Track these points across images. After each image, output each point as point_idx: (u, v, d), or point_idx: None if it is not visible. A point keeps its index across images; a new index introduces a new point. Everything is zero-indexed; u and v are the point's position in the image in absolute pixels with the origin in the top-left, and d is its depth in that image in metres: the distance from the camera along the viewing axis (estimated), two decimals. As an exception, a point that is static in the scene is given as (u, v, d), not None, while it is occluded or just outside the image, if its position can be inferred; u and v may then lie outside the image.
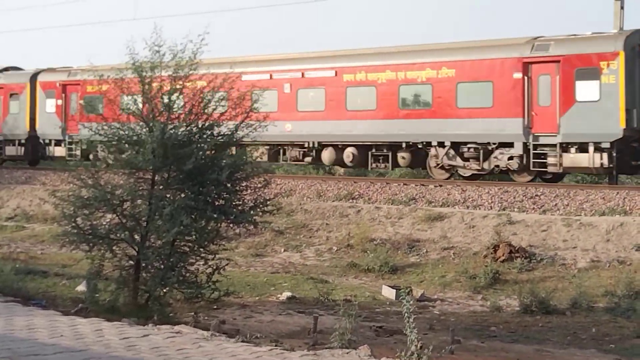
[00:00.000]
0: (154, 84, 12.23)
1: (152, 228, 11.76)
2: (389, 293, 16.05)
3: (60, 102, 32.89)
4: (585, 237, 18.44)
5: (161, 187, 12.02)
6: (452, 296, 16.51)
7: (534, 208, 20.45)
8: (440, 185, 23.52)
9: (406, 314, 8.17)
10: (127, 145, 12.36)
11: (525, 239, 18.79)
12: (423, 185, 23.82)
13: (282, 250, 20.66)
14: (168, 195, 11.93)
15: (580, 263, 17.55)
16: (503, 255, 17.88)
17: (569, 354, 11.95)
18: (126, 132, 12.17)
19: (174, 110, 12.15)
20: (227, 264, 12.67)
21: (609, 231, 18.39)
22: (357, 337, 9.74)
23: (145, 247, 11.76)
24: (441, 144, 24.44)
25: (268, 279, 17.61)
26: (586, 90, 22.04)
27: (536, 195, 21.20)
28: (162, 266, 11.78)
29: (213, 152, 12.34)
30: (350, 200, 23.00)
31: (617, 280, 16.03)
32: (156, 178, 12.11)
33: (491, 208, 20.86)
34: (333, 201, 23.17)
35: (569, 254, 17.96)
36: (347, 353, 7.18)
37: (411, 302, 8.46)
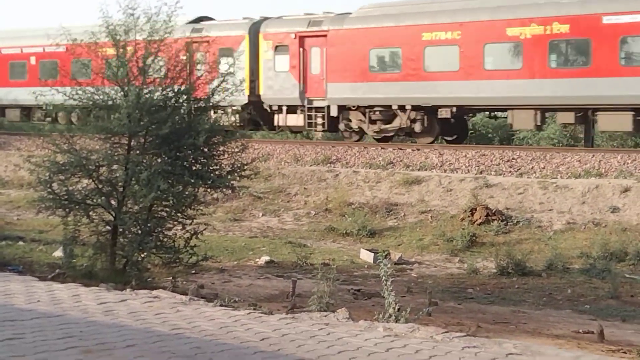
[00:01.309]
0: (129, 48, 12.07)
1: (129, 193, 11.69)
2: (367, 256, 16.13)
3: (296, 58, 26.72)
4: (561, 200, 18.60)
5: (138, 152, 11.92)
6: (429, 259, 16.63)
7: (510, 171, 20.57)
8: (418, 149, 23.57)
9: (384, 277, 8.21)
10: (101, 110, 12.22)
11: (502, 202, 18.92)
12: (401, 149, 23.86)
13: (260, 214, 20.66)
14: (145, 160, 11.84)
15: (556, 225, 17.72)
16: (480, 218, 18.00)
17: (544, 314, 12.10)
18: (101, 97, 12.03)
19: (150, 74, 12.02)
20: (205, 229, 12.64)
21: (585, 193, 18.55)
22: (336, 300, 9.79)
23: (122, 213, 11.69)
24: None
25: (246, 244, 17.63)
26: None
27: (513, 159, 21.31)
28: (139, 231, 11.72)
29: (190, 116, 12.24)
30: (328, 165, 23.01)
31: (592, 242, 16.22)
32: (132, 143, 12.00)
33: (468, 171, 20.95)
34: (311, 165, 23.17)
35: (545, 217, 18.12)
36: (325, 316, 7.22)
37: (389, 265, 8.50)
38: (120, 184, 11.86)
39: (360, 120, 25.74)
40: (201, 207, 12.71)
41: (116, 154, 11.97)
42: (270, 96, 27.25)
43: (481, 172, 20.71)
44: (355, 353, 5.75)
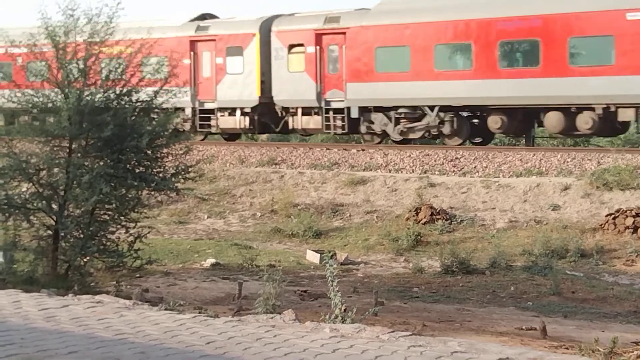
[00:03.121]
0: (69, 49, 11.88)
1: (71, 197, 11.51)
2: (313, 257, 16.14)
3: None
4: (503, 198, 18.88)
5: (79, 154, 11.74)
6: (375, 259, 16.72)
7: (454, 171, 20.81)
8: (363, 150, 23.68)
9: (330, 278, 8.22)
10: (41, 113, 12.01)
11: (446, 201, 19.12)
12: (345, 149, 23.94)
13: (206, 216, 20.53)
14: (86, 163, 11.66)
15: (498, 223, 17.98)
16: (425, 218, 18.16)
17: (488, 312, 12.25)
18: (40, 99, 11.81)
19: (91, 76, 11.84)
20: (148, 232, 12.51)
21: (526, 192, 18.86)
22: (282, 301, 9.79)
23: (64, 217, 11.50)
24: None
25: (191, 246, 17.49)
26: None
27: (456, 158, 21.55)
28: (81, 235, 11.55)
29: (133, 118, 12.09)
30: (273, 166, 22.97)
31: (534, 239, 16.49)
32: (74, 146, 11.82)
33: (413, 171, 21.13)
34: (256, 167, 23.11)
35: (488, 215, 18.37)
36: (272, 318, 7.18)
37: (335, 266, 8.51)
38: (61, 187, 11.67)
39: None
40: (145, 210, 12.58)
41: (57, 157, 11.77)
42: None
43: (425, 172, 20.90)
44: (301, 355, 5.73)
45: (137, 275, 13.37)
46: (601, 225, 16.89)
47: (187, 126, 26.30)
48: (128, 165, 11.85)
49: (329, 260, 8.64)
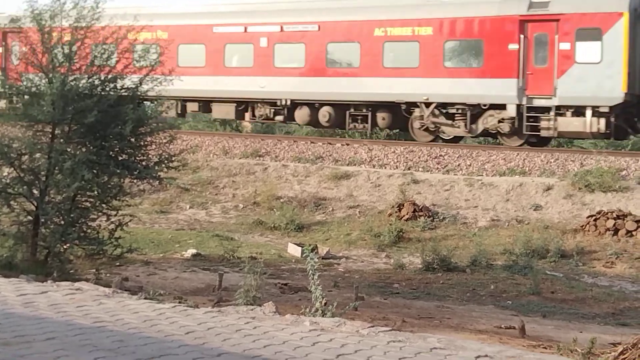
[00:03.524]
0: (54, 34, 11.77)
1: (52, 183, 11.41)
2: (294, 251, 16.12)
3: None
4: (486, 197, 18.94)
5: (62, 140, 11.64)
6: (356, 254, 16.72)
7: (437, 168, 20.85)
8: (347, 144, 23.67)
9: (311, 272, 8.20)
10: (25, 97, 11.90)
11: (429, 198, 19.15)
12: (330, 143, 23.92)
13: (188, 207, 20.45)
14: (69, 149, 11.57)
15: (480, 222, 18.03)
16: (407, 214, 18.19)
17: (468, 310, 12.29)
18: (24, 84, 11.71)
19: (75, 61, 11.74)
20: (130, 220, 12.43)
21: (509, 191, 18.93)
22: (262, 294, 9.75)
23: (45, 202, 11.40)
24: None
25: (173, 236, 17.42)
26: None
27: (440, 155, 21.59)
28: (62, 222, 11.46)
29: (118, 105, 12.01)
30: (257, 158, 22.92)
31: (516, 238, 16.55)
32: (56, 131, 11.72)
33: (397, 167, 21.15)
34: (240, 158, 23.04)
35: (470, 213, 18.42)
36: (252, 310, 7.16)
37: (316, 260, 8.49)
38: (43, 173, 11.57)
39: None
40: (127, 198, 12.51)
41: (39, 142, 11.67)
42: None
43: (409, 168, 20.93)
44: (281, 347, 5.72)
45: (117, 264, 13.30)
46: (582, 226, 16.98)
47: (506, 127, 22.43)
48: (111, 153, 11.76)
49: (310, 254, 8.62)
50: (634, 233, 16.44)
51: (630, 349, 6.63)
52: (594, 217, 16.93)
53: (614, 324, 11.53)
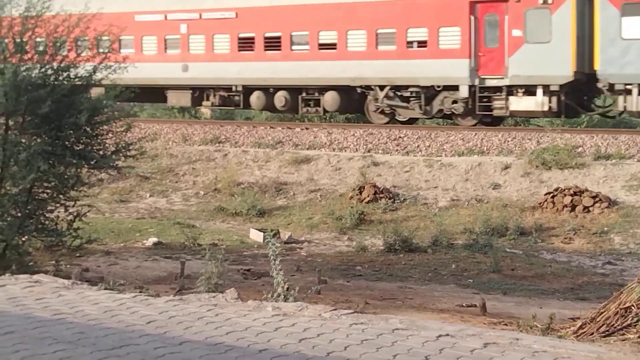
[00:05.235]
0: (4, 23, 11.55)
1: (7, 175, 11.23)
2: (256, 236, 16.10)
3: None
4: (445, 177, 19.08)
5: (16, 131, 11.46)
6: (319, 237, 16.76)
7: (397, 150, 20.93)
8: (307, 128, 23.65)
9: (272, 257, 8.19)
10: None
11: (389, 180, 19.24)
12: (289, 128, 23.88)
13: (148, 195, 20.30)
14: (23, 141, 11.39)
15: (441, 202, 18.17)
16: (368, 196, 18.25)
17: (429, 289, 12.40)
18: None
19: (27, 51, 11.54)
20: (89, 211, 12.30)
21: (468, 171, 19.09)
22: (225, 280, 9.73)
23: (1, 195, 11.23)
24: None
25: (133, 225, 17.29)
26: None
27: (399, 137, 21.68)
28: (19, 214, 11.30)
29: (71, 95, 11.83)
30: (217, 144, 22.81)
31: (475, 218, 16.72)
32: (10, 122, 11.52)
33: (356, 150, 21.19)
34: (199, 145, 22.91)
35: (430, 194, 18.55)
36: (214, 297, 7.13)
37: (278, 245, 8.48)
38: (-3, 165, 11.37)
39: None
40: (85, 189, 12.37)
41: (-8, 134, 11.46)
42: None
43: (369, 151, 20.99)
44: (243, 333, 5.71)
45: (77, 255, 13.15)
46: (540, 203, 17.20)
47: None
48: (67, 143, 11.61)
49: (271, 239, 8.61)
50: (590, 209, 16.70)
51: (589, 323, 6.73)
52: (551, 194, 17.15)
53: (573, 299, 11.72)
